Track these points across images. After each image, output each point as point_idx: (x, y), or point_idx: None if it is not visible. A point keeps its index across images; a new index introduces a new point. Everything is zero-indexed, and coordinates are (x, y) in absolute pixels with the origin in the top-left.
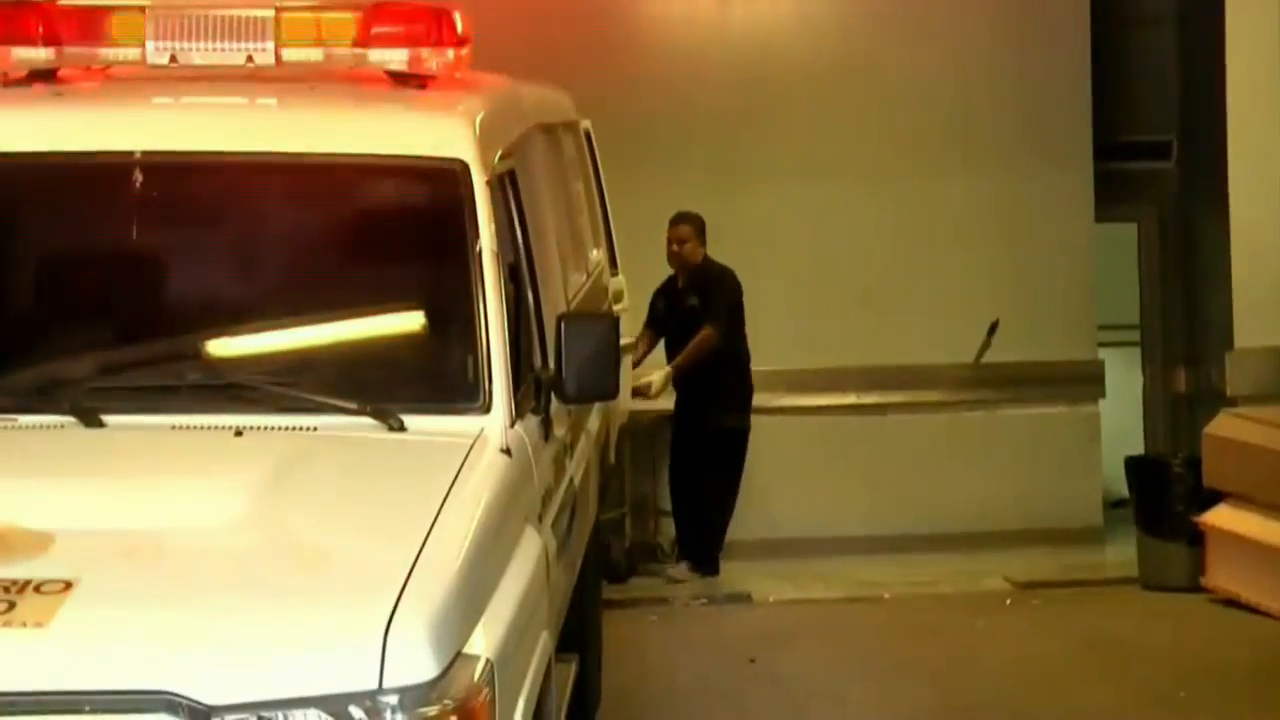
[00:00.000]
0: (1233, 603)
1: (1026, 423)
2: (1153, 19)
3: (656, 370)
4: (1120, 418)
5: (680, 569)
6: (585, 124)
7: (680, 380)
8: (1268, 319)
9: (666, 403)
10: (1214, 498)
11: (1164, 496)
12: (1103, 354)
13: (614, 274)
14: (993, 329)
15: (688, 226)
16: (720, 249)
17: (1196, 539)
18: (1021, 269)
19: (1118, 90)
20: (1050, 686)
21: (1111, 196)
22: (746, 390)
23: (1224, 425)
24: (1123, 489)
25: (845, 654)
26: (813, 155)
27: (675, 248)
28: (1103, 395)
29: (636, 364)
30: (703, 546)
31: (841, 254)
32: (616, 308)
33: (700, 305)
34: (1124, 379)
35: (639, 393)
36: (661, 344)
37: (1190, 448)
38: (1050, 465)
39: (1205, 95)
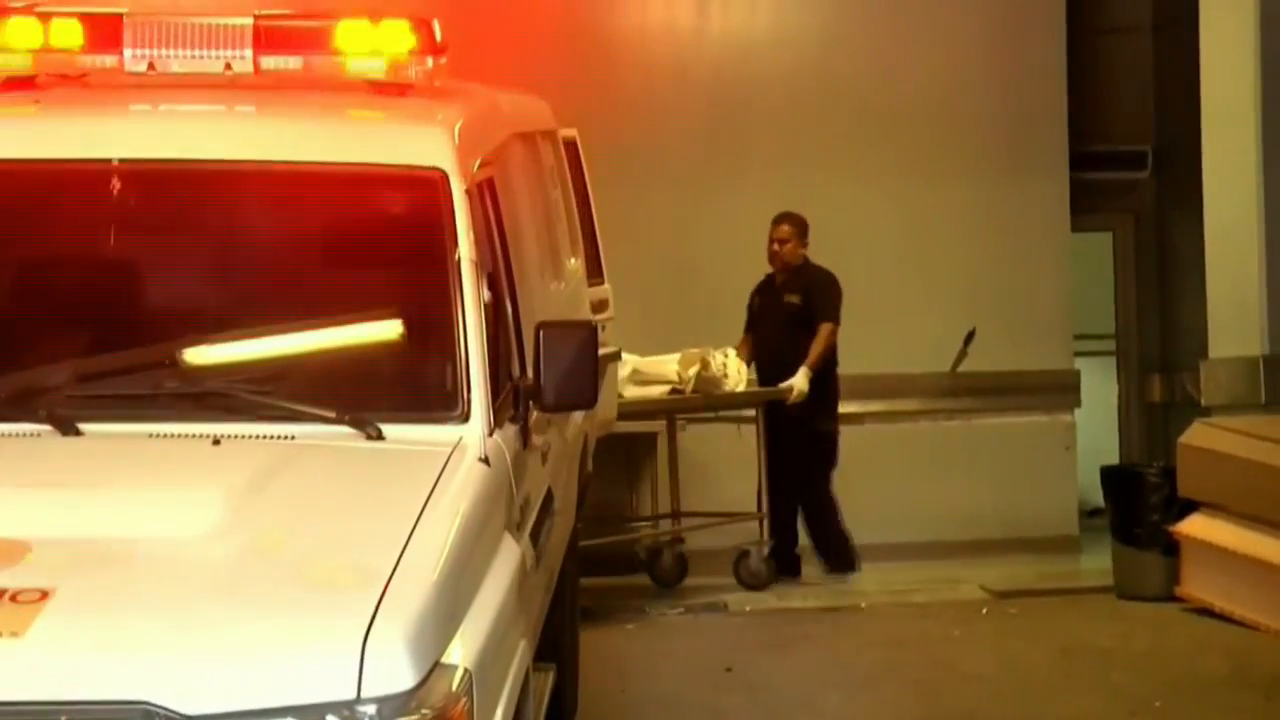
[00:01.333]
0: (1207, 612)
1: (1003, 432)
2: (1129, 29)
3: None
4: (1095, 427)
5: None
6: (571, 133)
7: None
8: (1242, 328)
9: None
10: (1188, 507)
11: (1139, 506)
12: (1078, 363)
13: (599, 283)
14: (969, 338)
15: (789, 227)
16: (702, 255)
17: (1171, 548)
18: (998, 278)
19: (1094, 100)
20: (1028, 696)
21: (1087, 206)
22: (837, 394)
23: (1198, 435)
24: (1098, 498)
25: (822, 663)
26: (793, 165)
27: (776, 247)
28: (1078, 404)
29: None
30: (835, 544)
31: (821, 263)
32: (601, 316)
33: (804, 304)
34: (1099, 388)
35: (777, 398)
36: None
37: (1165, 457)
38: (1026, 474)
39: (1180, 105)
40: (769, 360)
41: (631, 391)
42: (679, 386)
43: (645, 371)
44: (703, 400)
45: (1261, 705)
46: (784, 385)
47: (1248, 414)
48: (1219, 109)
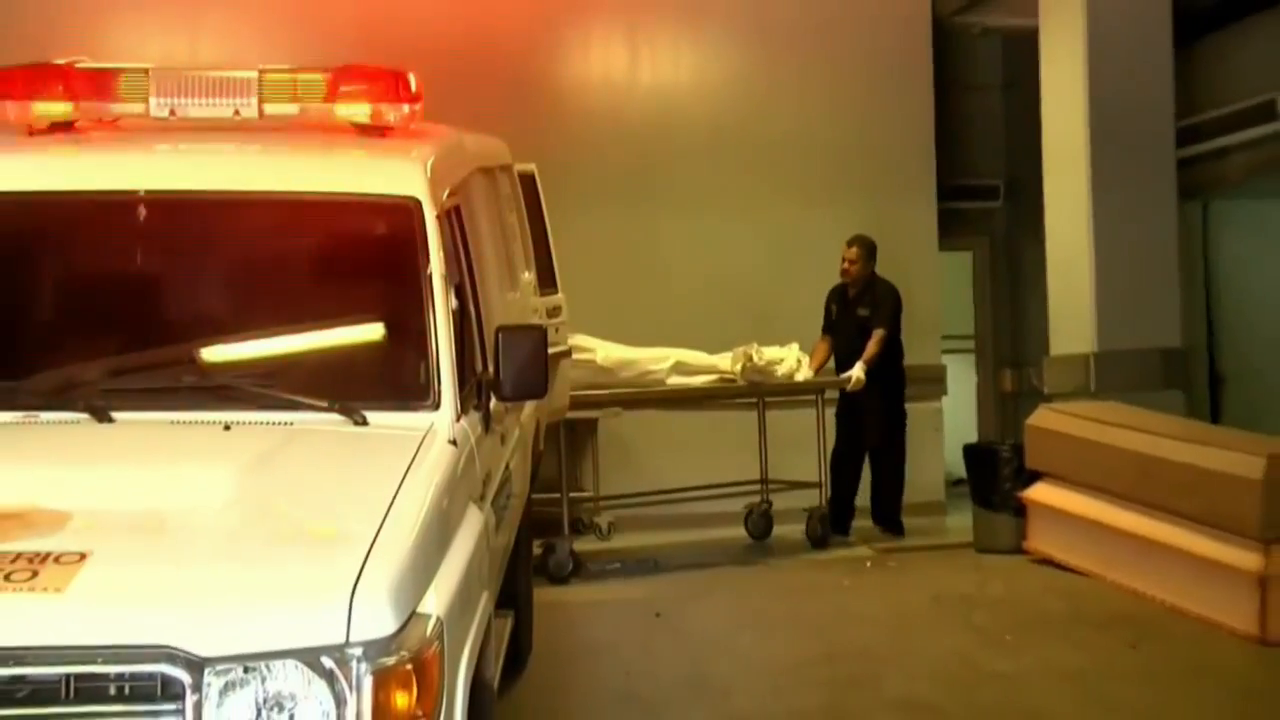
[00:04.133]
0: (1049, 562)
1: None
2: (984, 86)
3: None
4: (958, 412)
5: (873, 532)
6: (530, 168)
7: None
8: (1077, 330)
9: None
10: (1034, 477)
11: (994, 476)
12: (945, 359)
13: (553, 292)
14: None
15: (857, 248)
16: (638, 265)
17: (1020, 511)
18: None
19: (956, 143)
20: (906, 633)
21: (951, 230)
22: (905, 380)
23: (1042, 417)
24: (961, 470)
25: (737, 609)
26: (711, 194)
27: (846, 265)
28: (945, 393)
29: (819, 368)
30: (891, 512)
31: (732, 277)
32: (556, 320)
33: (870, 315)
34: (962, 380)
35: (837, 386)
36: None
37: (1015, 436)
38: None
39: (1026, 148)
40: (844, 361)
41: (674, 380)
42: (731, 377)
43: (689, 364)
44: (754, 387)
45: (1093, 637)
46: (843, 376)
47: (1081, 400)
48: (1057, 151)
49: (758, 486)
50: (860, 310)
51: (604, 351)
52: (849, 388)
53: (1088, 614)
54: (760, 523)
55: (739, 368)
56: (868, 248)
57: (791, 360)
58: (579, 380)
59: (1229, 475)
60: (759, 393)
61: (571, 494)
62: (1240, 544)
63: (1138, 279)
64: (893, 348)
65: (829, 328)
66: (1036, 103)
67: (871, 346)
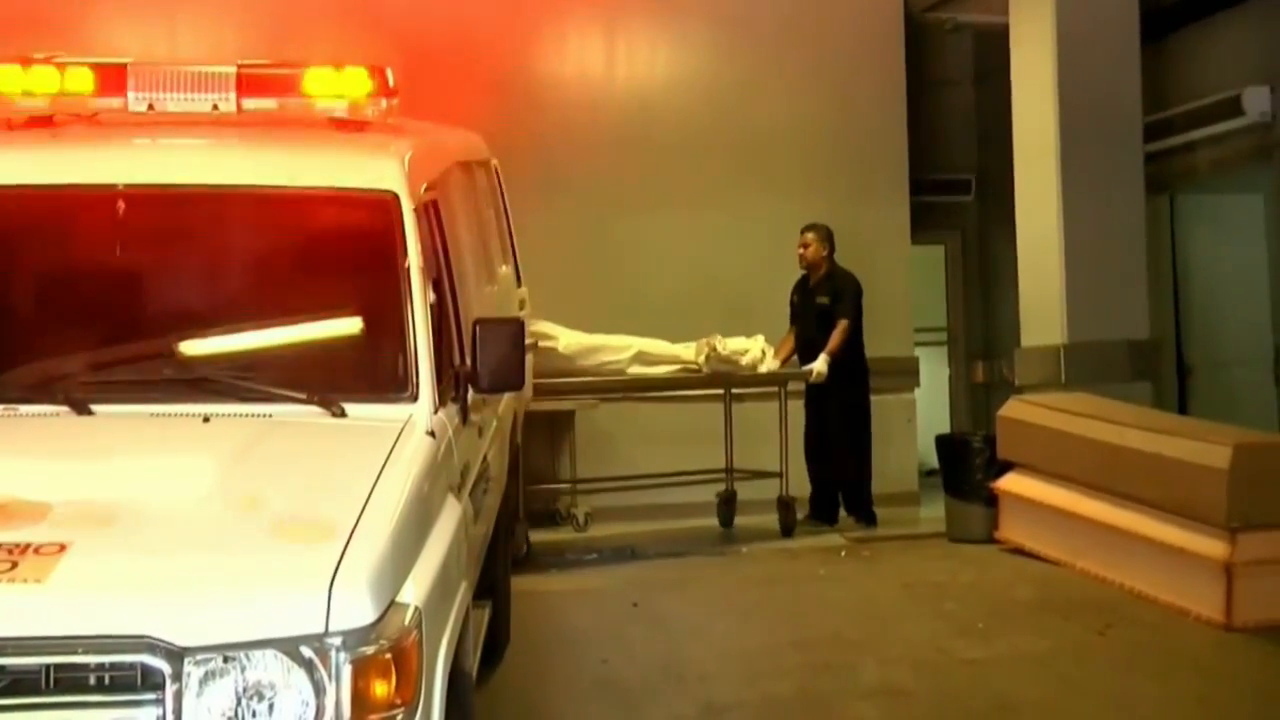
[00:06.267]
0: (1019, 551)
1: None
2: (955, 81)
3: (759, 351)
4: (931, 403)
5: (849, 522)
6: (494, 162)
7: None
8: (1047, 322)
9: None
10: (1005, 467)
11: (966, 466)
12: (917, 351)
13: (518, 286)
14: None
15: (811, 234)
16: (611, 258)
17: (991, 501)
18: None
19: (928, 139)
20: (879, 620)
21: (924, 224)
22: (867, 370)
23: (1013, 409)
24: (933, 461)
25: (712, 598)
26: (684, 191)
27: (801, 250)
28: (918, 385)
29: (787, 359)
30: (862, 501)
31: (709, 271)
32: (521, 314)
33: (831, 304)
34: (934, 372)
35: (798, 379)
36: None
37: (986, 427)
38: (876, 442)
39: (997, 143)
40: (806, 350)
41: (635, 370)
42: (693, 367)
43: (651, 353)
44: (717, 377)
45: (1061, 624)
46: (805, 369)
47: (1051, 391)
48: (1027, 145)
49: (723, 475)
50: (820, 298)
51: (566, 339)
52: (811, 379)
53: (1057, 601)
54: (724, 510)
55: (702, 358)
56: (821, 233)
57: (756, 351)
58: (541, 368)
59: (1196, 465)
60: (724, 383)
61: (547, 484)
62: (1207, 532)
63: (1107, 272)
64: (854, 338)
65: (794, 318)
66: (1007, 98)
67: (835, 338)
